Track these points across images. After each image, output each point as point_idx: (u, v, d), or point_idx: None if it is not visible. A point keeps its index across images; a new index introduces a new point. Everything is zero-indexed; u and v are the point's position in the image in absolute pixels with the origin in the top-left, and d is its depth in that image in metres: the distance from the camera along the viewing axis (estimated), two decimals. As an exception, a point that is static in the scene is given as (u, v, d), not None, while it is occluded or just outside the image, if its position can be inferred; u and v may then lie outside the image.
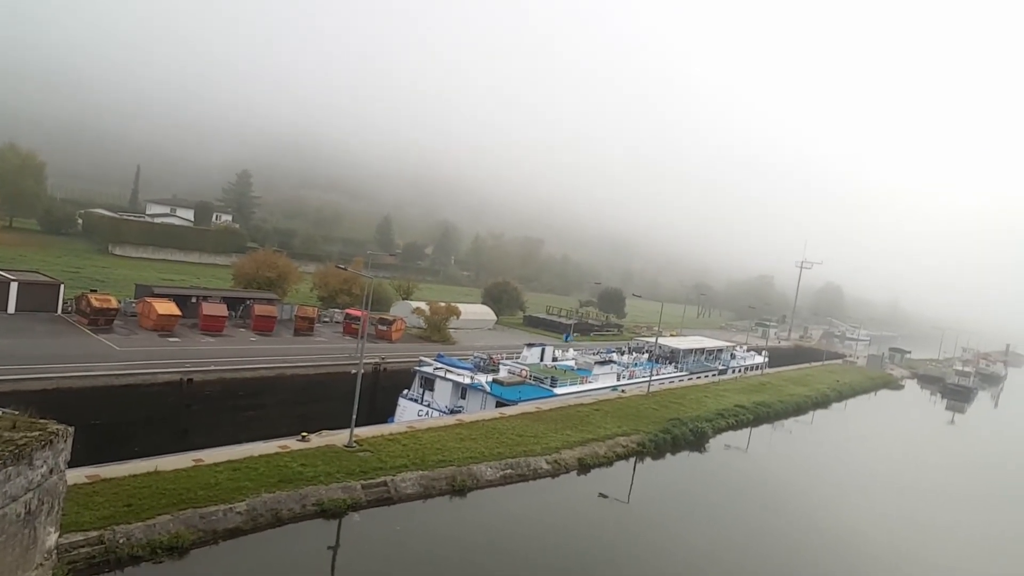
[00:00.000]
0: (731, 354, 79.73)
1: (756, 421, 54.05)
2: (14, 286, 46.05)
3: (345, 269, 45.27)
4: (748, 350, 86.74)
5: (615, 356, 63.12)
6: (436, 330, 63.00)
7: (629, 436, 40.47)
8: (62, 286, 49.53)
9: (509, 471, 31.77)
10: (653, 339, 68.61)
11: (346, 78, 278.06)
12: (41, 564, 11.38)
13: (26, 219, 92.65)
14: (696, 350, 73.14)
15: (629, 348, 71.20)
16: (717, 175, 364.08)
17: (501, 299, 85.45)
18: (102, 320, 45.96)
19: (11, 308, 45.60)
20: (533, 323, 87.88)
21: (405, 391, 46.81)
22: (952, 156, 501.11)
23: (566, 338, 77.32)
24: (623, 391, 53.52)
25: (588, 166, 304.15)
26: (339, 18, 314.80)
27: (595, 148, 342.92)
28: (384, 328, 58.62)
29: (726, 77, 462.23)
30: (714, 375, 72.23)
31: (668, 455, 41.27)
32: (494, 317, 79.94)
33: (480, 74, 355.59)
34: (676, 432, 42.95)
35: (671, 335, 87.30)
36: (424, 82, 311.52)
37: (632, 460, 38.63)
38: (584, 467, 35.26)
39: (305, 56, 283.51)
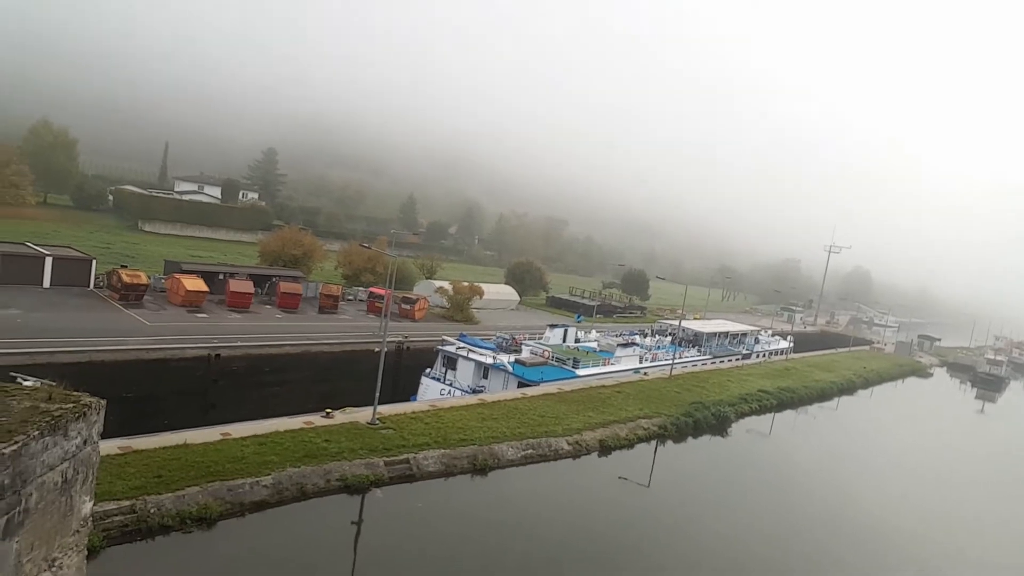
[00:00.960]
0: (755, 338, 78.98)
1: (780, 406, 53.61)
2: (48, 261, 47.08)
3: (369, 248, 45.42)
4: (773, 334, 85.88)
5: (637, 338, 62.90)
6: (459, 309, 63.22)
7: (651, 419, 40.40)
8: (94, 261, 50.49)
9: (530, 451, 31.94)
10: (676, 322, 68.16)
11: (373, 57, 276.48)
12: (77, 531, 11.71)
13: (59, 195, 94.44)
14: (720, 334, 72.54)
15: (652, 331, 70.95)
16: (743, 154, 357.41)
17: (524, 279, 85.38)
18: (132, 295, 46.82)
19: (46, 282, 46.66)
20: (556, 304, 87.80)
21: (428, 370, 47.15)
22: (991, 135, 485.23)
23: (577, 319, 76.93)
24: (645, 374, 53.37)
25: (611, 146, 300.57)
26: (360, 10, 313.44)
27: (619, 129, 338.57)
28: (407, 307, 58.97)
29: (754, 51, 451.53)
30: (738, 359, 71.64)
31: (690, 438, 41.18)
32: (517, 297, 79.95)
33: (506, 51, 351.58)
34: (698, 416, 42.76)
35: (695, 318, 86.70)
36: (450, 61, 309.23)
37: (653, 443, 38.60)
38: (605, 449, 35.33)
39: (333, 36, 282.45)
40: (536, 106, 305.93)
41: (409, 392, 46.37)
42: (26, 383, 28.73)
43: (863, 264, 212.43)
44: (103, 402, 11.88)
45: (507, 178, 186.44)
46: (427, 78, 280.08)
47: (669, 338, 67.68)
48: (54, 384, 11.92)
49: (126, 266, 50.69)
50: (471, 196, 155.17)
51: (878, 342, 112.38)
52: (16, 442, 9.25)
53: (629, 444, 36.87)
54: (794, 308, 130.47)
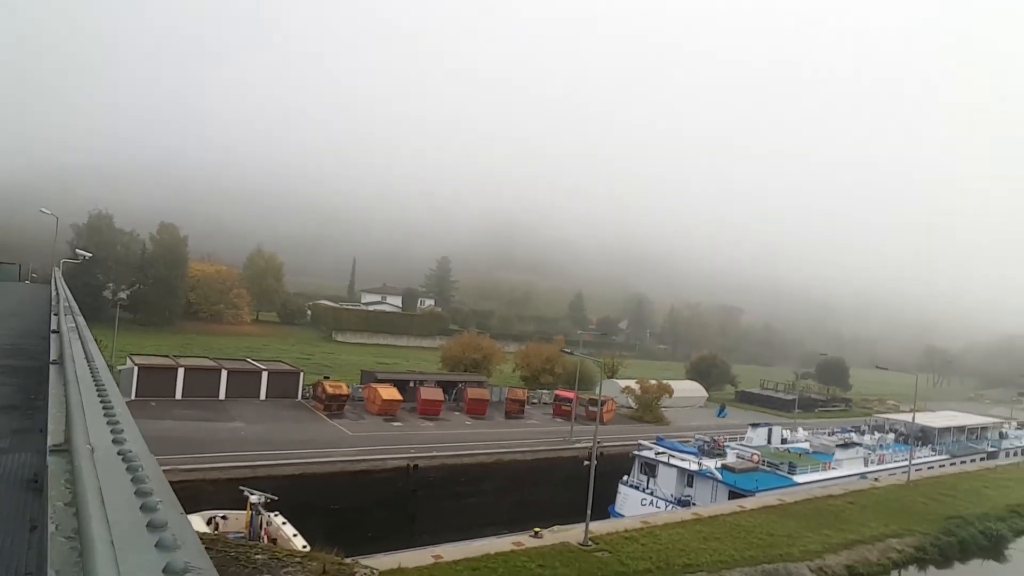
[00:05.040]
0: (999, 432, 66.88)
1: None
2: (264, 375, 50.98)
3: (571, 353, 44.30)
4: (1019, 427, 72.41)
5: (854, 436, 55.35)
6: (648, 409, 59.71)
7: (902, 538, 33.83)
8: (301, 374, 53.99)
9: (767, 580, 27.39)
10: (902, 416, 59.42)
11: (545, 168, 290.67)
12: None
13: (267, 312, 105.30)
14: (955, 428, 62.16)
15: (868, 427, 62.35)
16: (935, 216, 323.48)
17: (710, 373, 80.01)
18: (335, 406, 48.94)
19: (262, 395, 50.32)
20: (746, 399, 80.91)
21: (624, 477, 43.86)
22: None
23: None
24: (876, 479, 45.99)
25: (782, 230, 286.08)
26: (536, 118, 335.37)
27: (788, 211, 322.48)
28: (595, 409, 56.49)
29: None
30: (982, 458, 60.59)
31: (957, 563, 33.85)
32: (705, 393, 74.78)
33: (665, 145, 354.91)
34: (961, 534, 35.29)
35: (910, 410, 75.72)
36: (616, 158, 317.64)
37: (912, 569, 32.04)
38: (855, 577, 29.66)
39: (508, 150, 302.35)
40: (701, 199, 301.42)
41: (605, 501, 43.20)
42: (252, 497, 29.59)
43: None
44: (376, 571, 10.71)
45: (674, 268, 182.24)
46: (594, 178, 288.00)
47: (891, 435, 59.00)
48: (322, 557, 10.95)
49: (328, 377, 53.55)
50: (639, 290, 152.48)
51: None
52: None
53: (883, 570, 30.78)
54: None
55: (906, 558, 32.38)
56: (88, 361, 4.40)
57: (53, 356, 4.66)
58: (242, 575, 8.13)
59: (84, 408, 2.51)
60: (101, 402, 2.59)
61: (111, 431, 2.23)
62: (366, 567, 10.20)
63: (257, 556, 8.84)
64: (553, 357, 68.74)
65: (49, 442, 2.25)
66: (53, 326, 7.12)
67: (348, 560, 10.47)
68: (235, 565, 8.34)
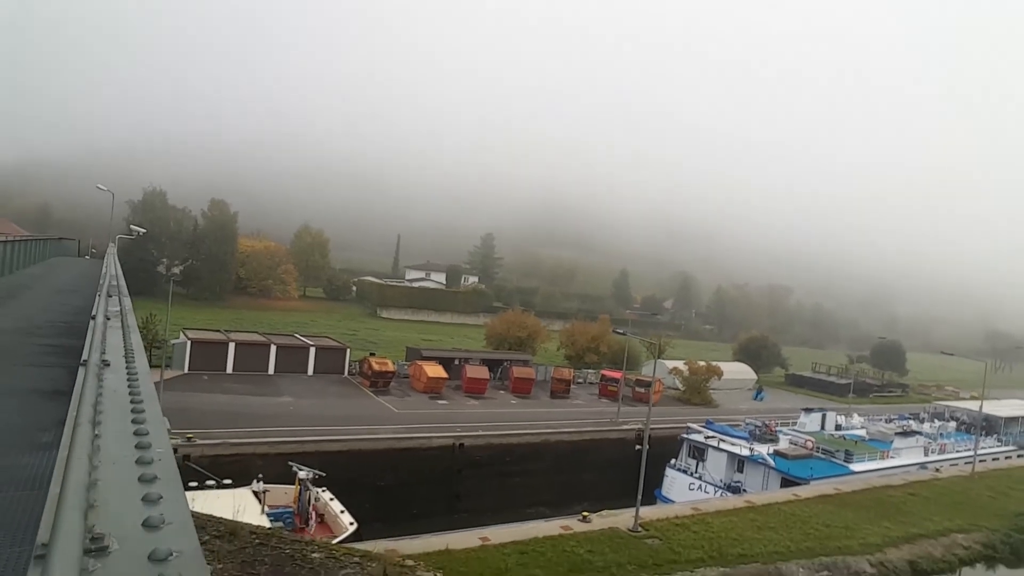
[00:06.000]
0: (1070, 424, 63.32)
1: None
2: (312, 351, 51.50)
3: (623, 334, 43.36)
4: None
5: (913, 424, 53.20)
6: (696, 392, 58.44)
7: (968, 534, 32.21)
8: (348, 350, 54.36)
9: (825, 573, 26.33)
10: (959, 403, 56.87)
11: (592, 145, 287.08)
12: None
13: (313, 288, 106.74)
14: (1022, 418, 59.20)
15: (928, 414, 59.89)
16: (997, 196, 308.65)
17: (759, 355, 77.95)
18: (381, 382, 49.17)
19: (310, 371, 50.87)
20: (796, 382, 78.73)
21: (672, 460, 42.97)
22: None
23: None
24: (937, 470, 44.06)
25: (836, 207, 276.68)
26: (584, 96, 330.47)
27: (844, 187, 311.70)
28: (642, 390, 55.55)
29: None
30: (1050, 451, 57.60)
31: (1028, 563, 32.12)
32: (754, 376, 72.91)
33: (717, 120, 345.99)
34: (1034, 531, 33.45)
35: (971, 397, 72.48)
36: (663, 136, 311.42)
37: (979, 567, 30.52)
38: (918, 573, 28.33)
39: (555, 126, 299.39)
40: (751, 173, 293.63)
41: (652, 484, 42.45)
42: (300, 473, 29.74)
43: None
44: (439, 574, 10.22)
45: (721, 247, 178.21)
46: (639, 159, 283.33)
47: (952, 423, 56.57)
48: (377, 560, 10.46)
49: (375, 354, 53.80)
50: (685, 268, 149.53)
51: None
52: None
53: (949, 568, 29.36)
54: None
55: (973, 555, 30.83)
56: (127, 361, 3.82)
57: (84, 355, 4.02)
58: (299, 574, 7.73)
59: (103, 457, 1.87)
60: (137, 447, 1.91)
61: (144, 517, 1.53)
62: (429, 571, 9.71)
63: (314, 555, 8.41)
64: (599, 336, 67.80)
65: (38, 538, 1.50)
66: (93, 310, 6.57)
67: (410, 562, 9.98)
68: (291, 564, 7.94)
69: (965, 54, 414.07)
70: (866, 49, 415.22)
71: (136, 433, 2.07)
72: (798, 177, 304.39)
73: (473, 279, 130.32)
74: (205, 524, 8.50)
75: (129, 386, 2.89)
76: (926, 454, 47.19)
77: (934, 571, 28.82)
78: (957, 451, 48.89)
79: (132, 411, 2.37)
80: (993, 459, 51.11)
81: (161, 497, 1.59)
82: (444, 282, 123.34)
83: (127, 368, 3.43)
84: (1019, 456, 53.48)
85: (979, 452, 49.56)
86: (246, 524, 10.10)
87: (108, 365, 3.44)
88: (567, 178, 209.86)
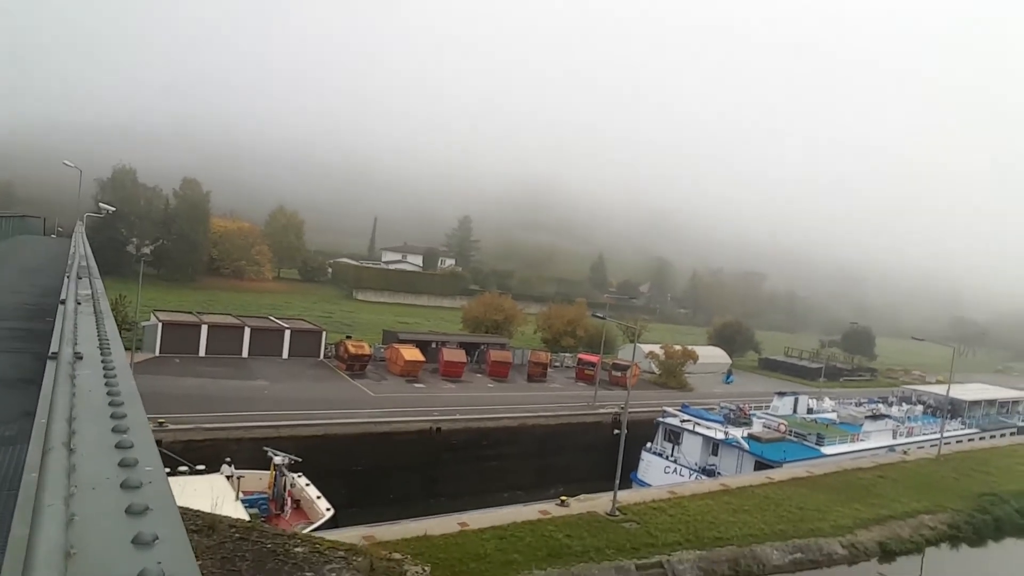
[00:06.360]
0: (1032, 406, 65.34)
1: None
2: (287, 334, 50.79)
3: (602, 318, 43.40)
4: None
5: (882, 407, 54.31)
6: (671, 375, 58.95)
7: (934, 514, 33.08)
8: (324, 333, 53.74)
9: (799, 555, 26.85)
10: (926, 387, 58.20)
11: (568, 130, 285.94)
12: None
13: (288, 269, 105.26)
14: (985, 401, 60.80)
15: (896, 398, 61.22)
16: (963, 187, 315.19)
17: (733, 340, 78.86)
18: (357, 365, 48.72)
19: (285, 354, 50.22)
20: (770, 366, 79.96)
21: (648, 444, 43.33)
22: None
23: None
24: (905, 452, 45.11)
25: (807, 193, 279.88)
26: (560, 81, 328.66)
27: (817, 173, 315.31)
28: (619, 374, 55.94)
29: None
30: (1012, 433, 59.36)
31: (991, 542, 33.10)
32: (728, 360, 73.78)
33: (690, 111, 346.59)
34: (996, 512, 34.47)
35: (937, 381, 74.31)
36: (639, 123, 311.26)
37: (943, 546, 31.35)
38: (887, 553, 29.04)
39: (531, 111, 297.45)
40: (727, 158, 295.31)
41: (628, 468, 42.76)
42: (276, 458, 29.34)
43: None
44: (427, 568, 10.05)
45: (698, 233, 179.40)
46: (613, 141, 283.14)
47: (920, 407, 57.88)
48: (371, 556, 10.29)
49: (351, 337, 53.27)
50: (661, 254, 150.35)
51: None
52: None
53: (916, 548, 30.13)
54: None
55: (939, 535, 31.70)
56: (103, 353, 3.54)
57: (53, 346, 3.64)
58: (281, 571, 7.48)
59: (77, 470, 1.60)
60: (121, 465, 1.65)
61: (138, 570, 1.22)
62: (417, 565, 9.55)
63: (297, 549, 8.16)
64: (575, 320, 67.92)
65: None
66: (62, 294, 6.15)
67: (396, 555, 9.81)
68: (273, 559, 7.69)
69: (945, 45, 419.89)
70: (840, 39, 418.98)
71: (118, 446, 1.83)
72: (774, 165, 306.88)
73: (450, 262, 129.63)
74: (183, 518, 8.20)
75: (107, 385, 2.63)
76: (894, 437, 48.21)
77: (901, 551, 29.53)
78: (924, 434, 50.03)
79: (112, 416, 2.13)
80: (957, 441, 52.46)
81: (156, 538, 1.35)
82: (421, 264, 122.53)
83: (103, 362, 3.16)
84: (981, 439, 54.92)
85: (945, 435, 50.96)
86: (225, 517, 9.82)
87: (81, 359, 3.17)
88: (546, 163, 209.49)
